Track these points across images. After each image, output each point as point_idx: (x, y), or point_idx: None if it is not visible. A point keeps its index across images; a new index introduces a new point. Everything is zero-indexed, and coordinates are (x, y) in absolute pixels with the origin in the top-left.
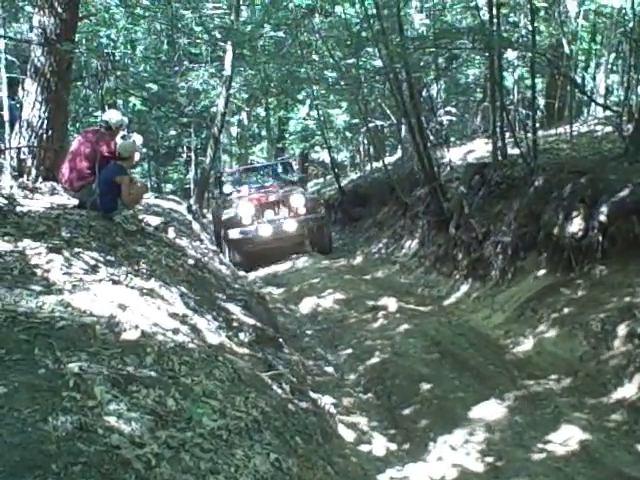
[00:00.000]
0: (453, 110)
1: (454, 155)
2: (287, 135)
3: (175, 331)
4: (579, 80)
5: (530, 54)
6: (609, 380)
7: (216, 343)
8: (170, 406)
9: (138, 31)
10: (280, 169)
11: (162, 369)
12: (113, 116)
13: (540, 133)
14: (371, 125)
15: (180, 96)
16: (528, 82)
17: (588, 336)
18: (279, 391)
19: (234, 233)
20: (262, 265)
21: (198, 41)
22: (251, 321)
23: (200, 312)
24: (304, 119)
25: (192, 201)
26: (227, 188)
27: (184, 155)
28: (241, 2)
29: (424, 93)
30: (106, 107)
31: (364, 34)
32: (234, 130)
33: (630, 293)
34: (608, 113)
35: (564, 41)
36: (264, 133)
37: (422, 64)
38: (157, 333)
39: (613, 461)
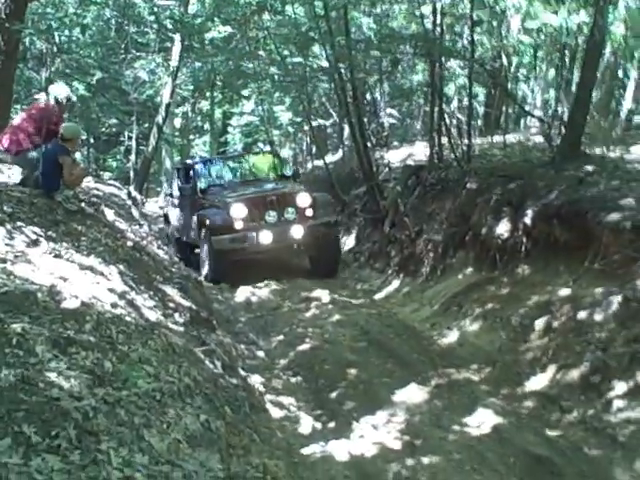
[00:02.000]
0: (395, 113)
1: (395, 157)
2: (230, 129)
3: (114, 305)
4: (519, 92)
5: (468, 64)
6: (524, 370)
7: (152, 319)
8: (107, 368)
9: (87, 16)
10: (266, 160)
11: (100, 335)
12: (61, 91)
13: (477, 140)
14: (314, 124)
15: (125, 84)
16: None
17: (508, 330)
18: (211, 366)
19: (222, 241)
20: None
21: (147, 30)
22: (187, 303)
23: (138, 290)
24: (248, 114)
25: (132, 188)
26: (202, 182)
27: (125, 143)
28: None
29: (368, 95)
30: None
31: (311, 34)
32: (177, 122)
33: (548, 291)
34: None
35: (503, 54)
36: (207, 126)
37: (366, 66)
38: (96, 304)
39: (521, 441)
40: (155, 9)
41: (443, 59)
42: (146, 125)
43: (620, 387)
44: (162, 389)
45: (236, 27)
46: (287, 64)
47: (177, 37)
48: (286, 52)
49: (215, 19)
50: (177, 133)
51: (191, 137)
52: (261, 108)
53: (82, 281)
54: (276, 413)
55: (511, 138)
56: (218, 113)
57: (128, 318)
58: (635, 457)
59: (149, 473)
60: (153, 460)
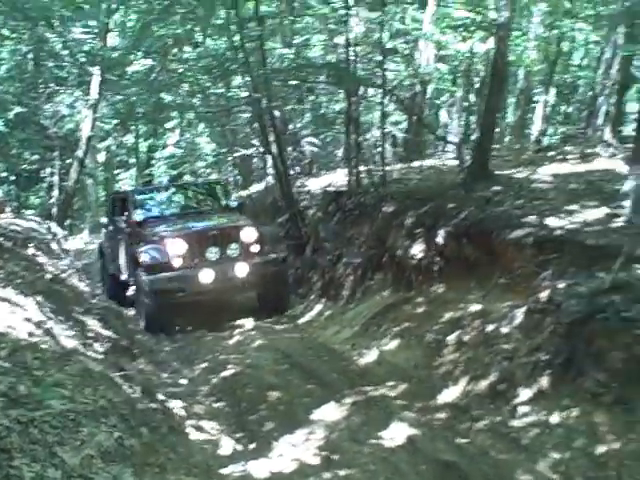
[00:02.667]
0: (315, 141)
1: (317, 184)
2: (155, 162)
3: (30, 333)
4: (440, 118)
5: (381, 91)
6: (437, 384)
7: (70, 347)
8: (21, 391)
9: (3, 51)
10: (210, 190)
11: (15, 362)
12: None
13: (397, 166)
14: (238, 154)
15: (44, 118)
16: (393, 118)
17: (422, 346)
18: (129, 390)
19: (159, 280)
20: (192, 326)
21: (64, 64)
22: (107, 332)
23: (56, 320)
24: (173, 145)
25: (53, 223)
26: (139, 214)
27: (47, 180)
28: (109, 28)
29: (291, 125)
30: None
31: (230, 64)
32: (101, 156)
33: (460, 308)
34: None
35: (417, 82)
36: (133, 160)
37: (283, 95)
38: (11, 333)
39: (432, 450)
40: (69, 43)
41: (361, 88)
42: (68, 160)
43: (525, 394)
44: (77, 410)
45: (156, 60)
46: (208, 95)
47: (96, 70)
48: (207, 84)
49: (135, 52)
50: (101, 168)
51: (116, 171)
52: (184, 141)
53: None
54: (196, 436)
55: (429, 163)
56: (143, 147)
57: (44, 345)
58: (537, 458)
59: None
60: (65, 474)
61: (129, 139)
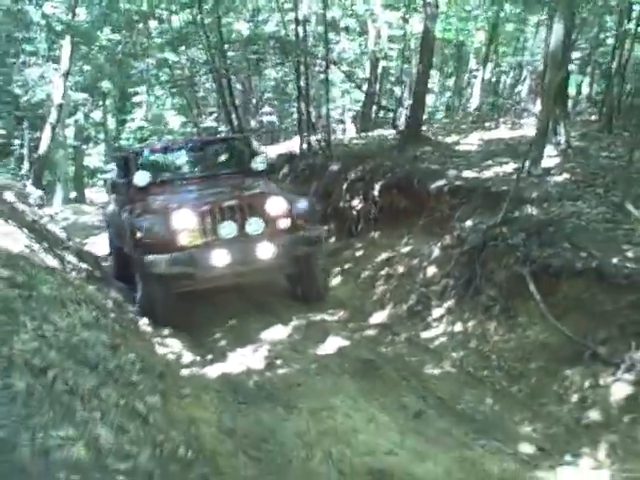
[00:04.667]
0: (268, 109)
1: (275, 151)
2: (124, 136)
3: (21, 251)
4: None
5: (325, 64)
6: (368, 310)
7: (53, 265)
8: (19, 280)
9: None
10: (232, 149)
11: (11, 264)
12: None
13: (349, 135)
14: (204, 125)
15: (16, 87)
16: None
17: (359, 282)
18: (103, 300)
19: (160, 262)
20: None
21: (35, 36)
22: (84, 265)
23: (40, 248)
24: (142, 120)
25: (29, 182)
26: (141, 178)
27: (16, 152)
28: (79, 2)
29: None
30: None
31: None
32: (70, 131)
33: (392, 250)
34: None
35: (365, 58)
36: (102, 136)
37: (239, 66)
38: (6, 248)
39: (356, 354)
40: (42, 16)
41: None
42: (37, 134)
43: (436, 312)
44: (62, 297)
45: (123, 33)
46: (171, 66)
47: (66, 41)
48: (172, 57)
49: (103, 26)
50: (70, 140)
51: (84, 146)
52: (151, 113)
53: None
54: (161, 350)
55: (377, 133)
56: (111, 122)
57: (33, 259)
58: (441, 358)
59: (54, 335)
60: (57, 330)
61: (97, 115)
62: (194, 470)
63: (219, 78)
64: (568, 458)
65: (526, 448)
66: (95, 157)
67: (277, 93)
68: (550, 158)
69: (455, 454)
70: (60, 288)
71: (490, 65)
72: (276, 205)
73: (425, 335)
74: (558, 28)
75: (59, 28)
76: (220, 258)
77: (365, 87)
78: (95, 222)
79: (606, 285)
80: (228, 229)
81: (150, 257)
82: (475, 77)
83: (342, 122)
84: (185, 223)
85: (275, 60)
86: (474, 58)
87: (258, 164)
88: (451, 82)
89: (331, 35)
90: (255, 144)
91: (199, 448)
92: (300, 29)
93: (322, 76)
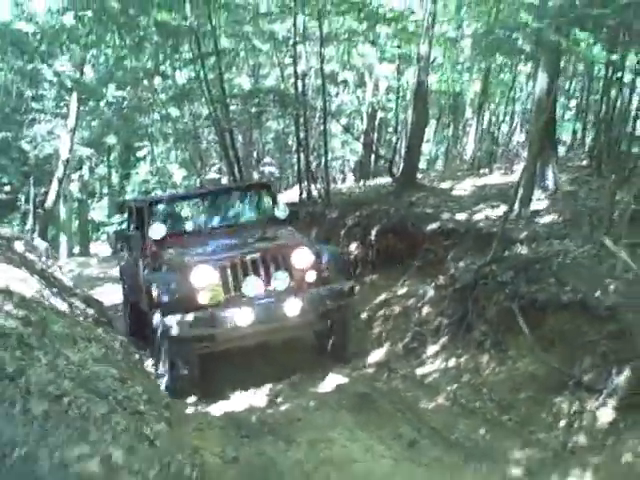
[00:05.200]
0: (269, 160)
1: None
2: (128, 191)
3: (33, 295)
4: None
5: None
6: (368, 348)
7: (63, 309)
8: (33, 319)
9: None
10: (252, 197)
11: (24, 305)
12: None
13: (347, 184)
14: (208, 177)
15: (24, 143)
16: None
17: (358, 322)
18: (111, 342)
19: (180, 324)
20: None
21: (44, 93)
22: (91, 311)
23: (51, 293)
24: (146, 175)
25: (36, 234)
26: (157, 230)
27: (22, 207)
28: (85, 61)
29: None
30: None
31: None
32: (75, 186)
33: (389, 291)
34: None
35: (363, 109)
36: (105, 190)
37: (240, 119)
38: (20, 292)
39: (353, 389)
40: (52, 74)
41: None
42: (43, 189)
43: (430, 349)
44: (73, 335)
45: (128, 89)
46: (175, 120)
47: (74, 98)
48: (177, 112)
49: (109, 82)
50: (75, 197)
51: (89, 201)
52: (155, 166)
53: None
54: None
55: (375, 182)
56: (115, 177)
57: (45, 302)
58: (436, 392)
59: (66, 368)
60: (69, 364)
61: (102, 170)
62: None
63: (221, 131)
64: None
65: (515, 471)
66: (99, 211)
67: (278, 145)
68: (539, 201)
69: (446, 478)
70: (71, 327)
71: (485, 114)
72: (302, 256)
73: (420, 371)
74: (542, 76)
75: (69, 85)
76: (244, 317)
77: (363, 138)
78: (100, 274)
79: (589, 317)
80: (252, 285)
81: (169, 318)
82: (470, 126)
83: (342, 172)
84: (205, 280)
85: (275, 113)
86: (469, 108)
87: (280, 212)
88: (449, 132)
89: (330, 88)
90: (275, 190)
91: (203, 474)
92: (299, 83)
93: (321, 128)
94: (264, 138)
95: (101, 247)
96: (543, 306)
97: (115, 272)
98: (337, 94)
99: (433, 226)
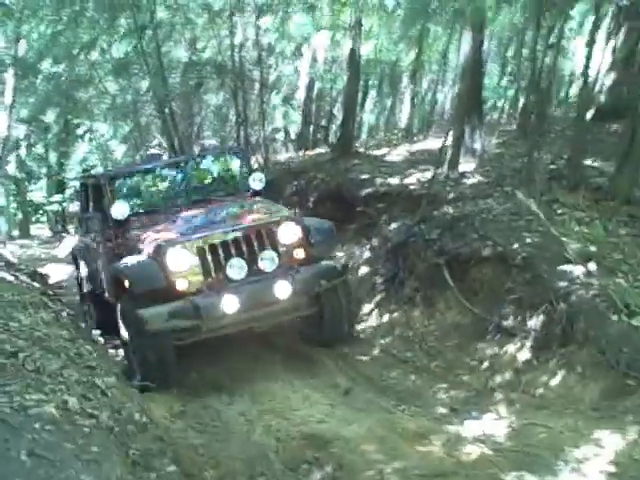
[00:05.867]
0: (209, 133)
1: None
2: (67, 170)
3: None
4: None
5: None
6: None
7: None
8: None
9: None
10: (224, 166)
11: None
12: None
13: (287, 155)
14: (149, 153)
15: None
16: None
17: None
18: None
19: (157, 317)
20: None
21: None
22: (37, 285)
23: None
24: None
25: None
26: (120, 210)
27: None
28: (20, 36)
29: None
30: None
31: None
32: (11, 168)
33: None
34: None
35: (301, 80)
36: (44, 170)
37: (179, 92)
38: None
39: (294, 348)
40: None
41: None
42: None
43: (366, 307)
44: (24, 301)
45: (65, 64)
46: (114, 96)
47: (9, 74)
48: (114, 86)
49: (45, 58)
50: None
51: (27, 182)
52: (95, 143)
53: None
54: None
55: (315, 152)
56: (53, 156)
57: None
58: (370, 347)
59: (20, 329)
60: (21, 326)
61: (39, 149)
62: (149, 432)
63: (160, 104)
64: (475, 414)
65: (440, 410)
66: (38, 193)
67: (219, 118)
68: (467, 163)
69: (378, 417)
70: (20, 295)
71: (420, 82)
72: (290, 232)
73: (357, 328)
74: (466, 41)
75: (7, 61)
76: (231, 304)
77: (302, 109)
78: (42, 255)
79: (507, 267)
80: (237, 267)
81: (144, 312)
82: (403, 94)
83: (284, 143)
84: (183, 264)
85: (214, 85)
86: (406, 77)
87: (256, 182)
88: (388, 102)
89: (269, 60)
90: (249, 158)
91: (152, 422)
92: (236, 54)
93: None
94: (204, 112)
95: (41, 229)
96: (467, 260)
97: (57, 253)
98: (275, 65)
99: (368, 191)
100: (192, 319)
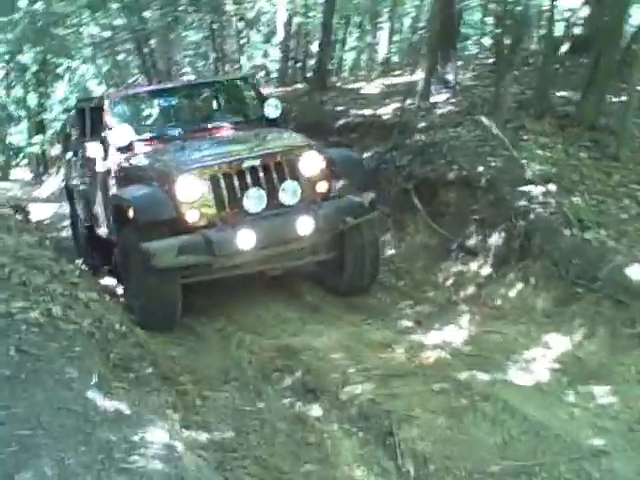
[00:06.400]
0: (189, 70)
1: None
2: (48, 110)
3: None
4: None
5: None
6: None
7: None
8: None
9: None
10: (234, 93)
11: None
12: None
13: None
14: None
15: None
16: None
17: None
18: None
19: (165, 251)
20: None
21: None
22: (19, 217)
23: None
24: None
25: None
26: (123, 134)
27: None
28: None
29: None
30: None
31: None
32: None
33: None
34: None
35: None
36: (23, 113)
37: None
38: None
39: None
40: None
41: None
42: None
43: None
44: (8, 224)
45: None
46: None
47: None
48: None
49: None
50: None
51: (6, 126)
52: (73, 84)
53: None
54: None
55: (295, 87)
56: (33, 98)
57: None
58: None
59: (4, 248)
60: (5, 245)
61: (17, 90)
62: (128, 339)
63: (138, 41)
64: (437, 326)
65: (406, 323)
66: (18, 136)
67: (197, 55)
68: (439, 94)
69: (345, 331)
70: (4, 220)
71: (397, 18)
72: (312, 162)
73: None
74: None
75: None
76: (248, 239)
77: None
78: (23, 196)
79: (472, 190)
80: (256, 199)
81: (150, 244)
82: (381, 29)
83: (265, 80)
84: (194, 192)
85: (192, 21)
86: (386, 12)
87: (271, 110)
88: (369, 37)
89: None
90: (260, 85)
91: (132, 332)
92: None
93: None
94: (183, 49)
95: (23, 172)
96: (434, 184)
97: (38, 194)
98: (254, 1)
99: (342, 122)
100: (203, 255)
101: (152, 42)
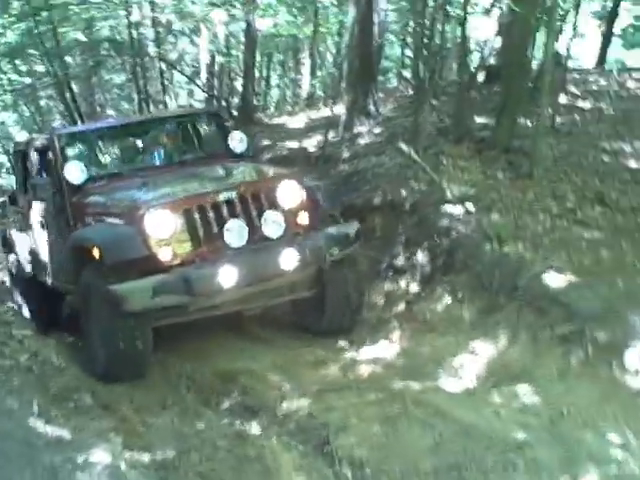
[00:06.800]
0: (112, 113)
1: None
2: None
3: None
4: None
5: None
6: None
7: None
8: None
9: None
10: (198, 127)
11: None
12: None
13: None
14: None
15: None
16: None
17: None
18: None
19: (139, 293)
20: None
21: None
22: None
23: None
24: None
25: None
26: (76, 171)
27: None
28: None
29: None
30: None
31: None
32: None
33: None
34: None
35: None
36: None
37: (79, 72)
38: None
39: None
40: None
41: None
42: None
43: None
44: None
45: None
46: (11, 80)
47: None
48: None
49: None
50: None
51: None
52: None
53: None
54: None
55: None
56: None
57: None
58: None
59: None
60: None
61: None
62: (66, 371)
63: (60, 86)
64: (370, 343)
65: (340, 344)
66: None
67: (121, 97)
68: (362, 126)
69: (282, 352)
70: None
71: (319, 53)
72: (291, 192)
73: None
74: (352, 10)
75: None
76: (230, 277)
77: (205, 85)
78: None
79: (397, 213)
80: (238, 232)
81: (120, 287)
82: (303, 65)
83: None
84: (166, 228)
85: (113, 64)
86: (307, 49)
87: (236, 143)
88: (292, 73)
89: (170, 38)
90: (226, 120)
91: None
92: (134, 32)
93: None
94: (106, 92)
95: None
96: (360, 209)
97: None
98: (175, 43)
99: (269, 156)
100: (181, 295)
101: (74, 86)
